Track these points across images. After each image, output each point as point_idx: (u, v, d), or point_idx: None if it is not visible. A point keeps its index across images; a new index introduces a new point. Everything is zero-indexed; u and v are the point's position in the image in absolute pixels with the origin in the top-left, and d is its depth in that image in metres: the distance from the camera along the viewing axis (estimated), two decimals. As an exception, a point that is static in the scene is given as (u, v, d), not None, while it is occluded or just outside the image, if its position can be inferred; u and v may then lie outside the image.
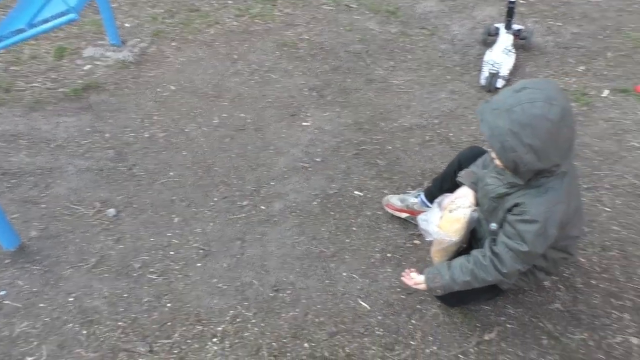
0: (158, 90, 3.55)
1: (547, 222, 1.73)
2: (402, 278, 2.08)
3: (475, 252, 1.91)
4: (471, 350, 2.06)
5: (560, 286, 2.26)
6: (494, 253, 1.84)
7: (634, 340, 2.06)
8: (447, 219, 2.01)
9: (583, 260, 2.36)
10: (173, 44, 4.03)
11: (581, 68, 3.58)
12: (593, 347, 2.05)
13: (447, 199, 2.09)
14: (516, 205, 1.79)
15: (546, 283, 2.26)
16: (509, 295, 2.22)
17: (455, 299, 2.11)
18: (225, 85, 3.58)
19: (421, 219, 2.11)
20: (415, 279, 2.02)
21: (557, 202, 1.74)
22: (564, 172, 1.74)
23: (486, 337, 2.09)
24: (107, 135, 3.18)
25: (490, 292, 2.10)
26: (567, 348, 2.05)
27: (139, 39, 4.06)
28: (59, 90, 3.54)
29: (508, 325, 2.13)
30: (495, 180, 1.88)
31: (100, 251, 2.48)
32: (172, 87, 3.57)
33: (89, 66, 3.78)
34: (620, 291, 2.24)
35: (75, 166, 2.95)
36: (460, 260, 1.92)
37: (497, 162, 1.77)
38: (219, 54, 3.90)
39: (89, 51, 3.92)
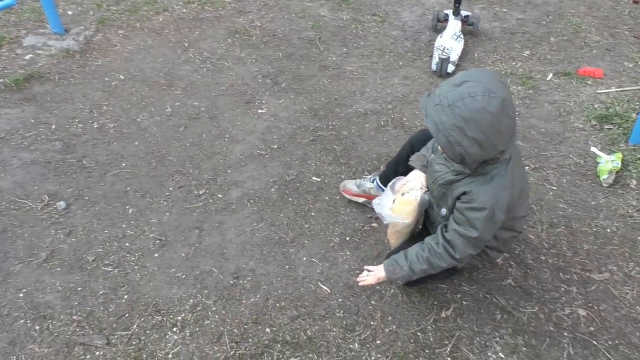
0: (106, 79, 3.44)
1: (495, 208, 1.78)
2: (362, 283, 2.08)
3: (428, 240, 1.95)
4: (429, 327, 2.11)
5: (512, 263, 2.35)
6: (446, 240, 1.89)
7: (581, 311, 2.16)
8: (400, 201, 2.05)
9: (532, 237, 2.46)
10: (120, 31, 3.91)
11: (526, 53, 3.71)
12: (543, 320, 2.14)
13: (399, 182, 2.13)
14: (464, 193, 1.83)
15: (499, 260, 2.34)
16: (464, 274, 2.29)
17: (414, 279, 2.16)
18: (177, 73, 3.51)
19: (375, 203, 2.15)
20: (376, 274, 2.04)
21: (503, 188, 1.79)
22: (508, 158, 1.80)
23: (443, 315, 2.15)
24: (53, 126, 3.06)
25: (446, 271, 2.15)
26: (519, 321, 2.13)
27: (83, 27, 3.92)
28: (-1, 80, 3.38)
29: (464, 302, 2.20)
30: (443, 167, 1.93)
31: (51, 245, 2.40)
32: (121, 76, 3.47)
33: (30, 55, 3.61)
34: (567, 265, 2.34)
35: (20, 159, 2.83)
36: (416, 249, 1.96)
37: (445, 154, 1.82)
38: (169, 42, 3.82)
39: (29, 40, 3.75)
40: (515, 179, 1.84)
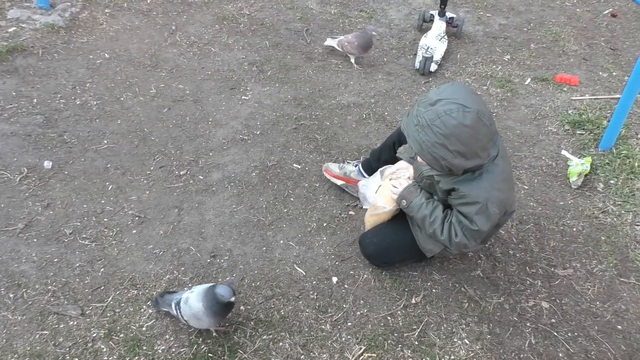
0: (91, 57, 3.43)
1: (488, 201, 1.86)
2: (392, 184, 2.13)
3: (448, 211, 2.00)
4: (399, 312, 2.17)
5: (482, 255, 2.43)
6: (452, 223, 1.96)
7: (544, 304, 2.25)
8: (386, 186, 2.12)
9: (502, 232, 2.54)
10: (106, 10, 3.89)
11: (507, 57, 3.81)
12: (508, 310, 2.22)
13: (389, 169, 2.20)
14: (454, 189, 1.91)
15: (469, 253, 2.42)
16: (435, 263, 2.36)
17: (383, 262, 2.26)
18: (163, 55, 3.51)
19: (361, 183, 2.24)
20: (398, 188, 2.09)
21: (494, 182, 1.88)
22: (494, 155, 1.88)
23: (413, 301, 2.22)
24: (34, 100, 3.04)
25: (417, 256, 2.23)
26: (485, 310, 2.21)
27: (69, 4, 3.89)
28: (-19, 51, 3.33)
29: (433, 290, 2.27)
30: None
31: (28, 216, 2.39)
32: (106, 55, 3.46)
33: (13, 28, 3.57)
34: (533, 260, 2.43)
35: (-1, 130, 2.81)
36: (438, 203, 2.01)
37: None
38: (156, 24, 3.81)
39: (13, 13, 3.71)
40: (505, 173, 1.93)
